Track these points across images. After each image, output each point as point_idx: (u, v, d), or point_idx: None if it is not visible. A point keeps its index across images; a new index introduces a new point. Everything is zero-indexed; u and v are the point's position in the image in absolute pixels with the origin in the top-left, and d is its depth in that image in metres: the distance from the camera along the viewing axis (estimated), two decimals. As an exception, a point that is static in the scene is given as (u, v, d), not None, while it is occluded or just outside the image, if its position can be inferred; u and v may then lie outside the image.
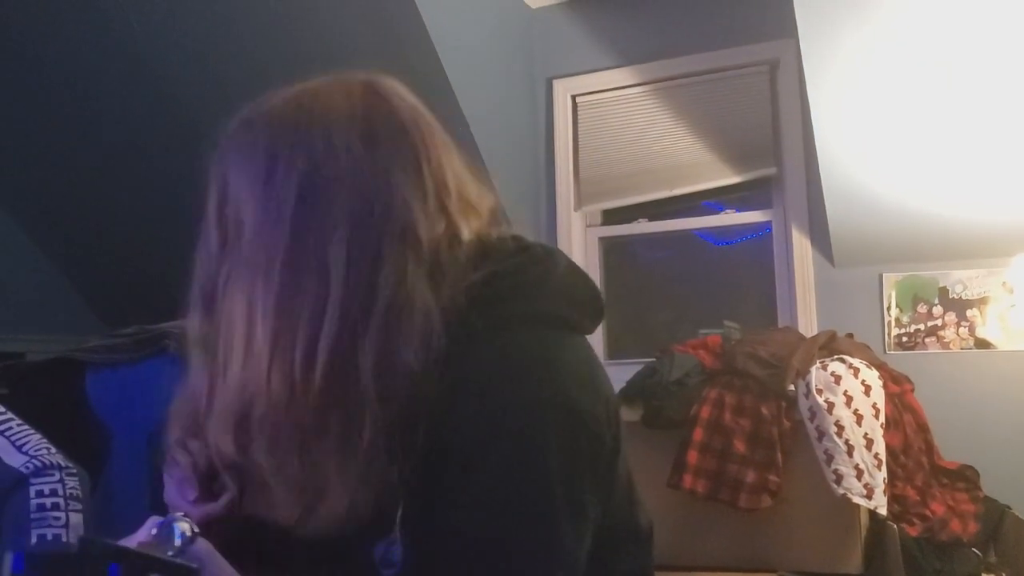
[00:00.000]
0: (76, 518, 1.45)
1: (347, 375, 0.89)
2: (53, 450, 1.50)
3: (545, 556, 0.88)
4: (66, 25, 3.00)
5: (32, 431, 1.51)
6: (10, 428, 1.49)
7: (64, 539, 1.41)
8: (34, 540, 1.39)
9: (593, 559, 0.93)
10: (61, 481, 1.46)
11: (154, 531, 0.86)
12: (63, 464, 1.49)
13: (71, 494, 1.46)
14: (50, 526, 1.41)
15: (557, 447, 0.89)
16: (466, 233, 0.98)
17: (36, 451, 1.48)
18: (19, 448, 1.47)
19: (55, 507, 1.43)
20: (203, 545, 0.87)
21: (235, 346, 0.92)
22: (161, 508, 0.99)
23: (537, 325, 0.96)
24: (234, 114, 0.99)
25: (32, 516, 1.41)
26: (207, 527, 0.95)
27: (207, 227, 0.98)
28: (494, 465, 0.88)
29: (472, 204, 1.01)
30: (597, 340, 3.75)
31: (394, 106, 0.98)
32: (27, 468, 1.45)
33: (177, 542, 0.84)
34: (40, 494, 1.43)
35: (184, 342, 1.02)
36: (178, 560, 0.80)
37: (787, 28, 2.95)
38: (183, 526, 0.85)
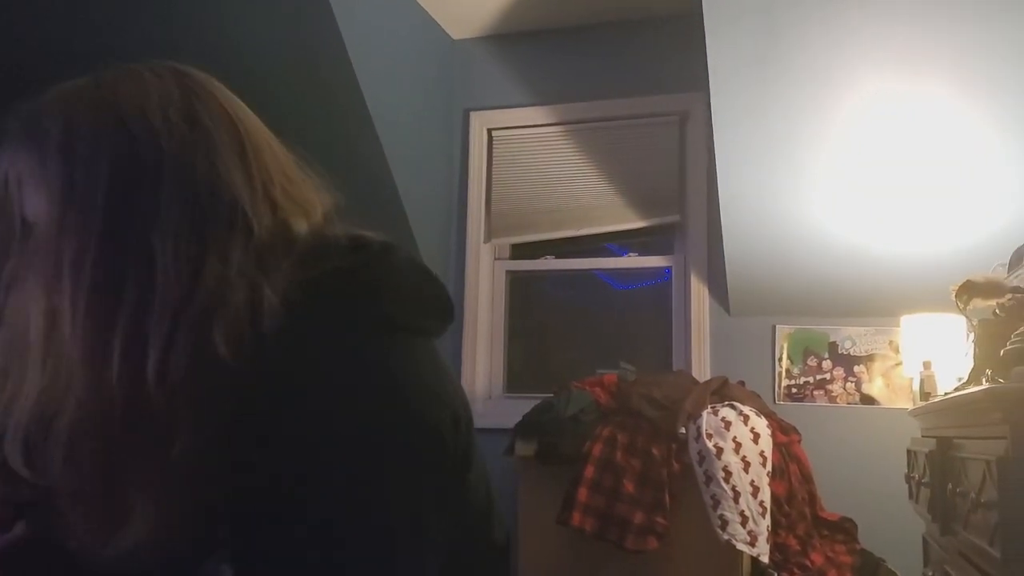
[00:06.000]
0: None
1: (164, 376, 0.79)
2: None
3: None
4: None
5: None
6: None
7: None
8: None
9: None
10: None
11: None
12: None
13: None
14: None
15: (396, 464, 0.82)
16: (298, 227, 0.91)
17: None
18: None
19: None
20: None
21: (32, 353, 0.82)
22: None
23: (379, 329, 0.88)
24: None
25: None
26: (1, 559, 0.87)
27: None
28: (327, 486, 0.80)
29: (302, 201, 0.94)
30: (497, 373, 3.75)
31: (212, 89, 0.92)
32: None
33: None
34: None
35: None
36: None
37: (698, 82, 3.03)
38: None
